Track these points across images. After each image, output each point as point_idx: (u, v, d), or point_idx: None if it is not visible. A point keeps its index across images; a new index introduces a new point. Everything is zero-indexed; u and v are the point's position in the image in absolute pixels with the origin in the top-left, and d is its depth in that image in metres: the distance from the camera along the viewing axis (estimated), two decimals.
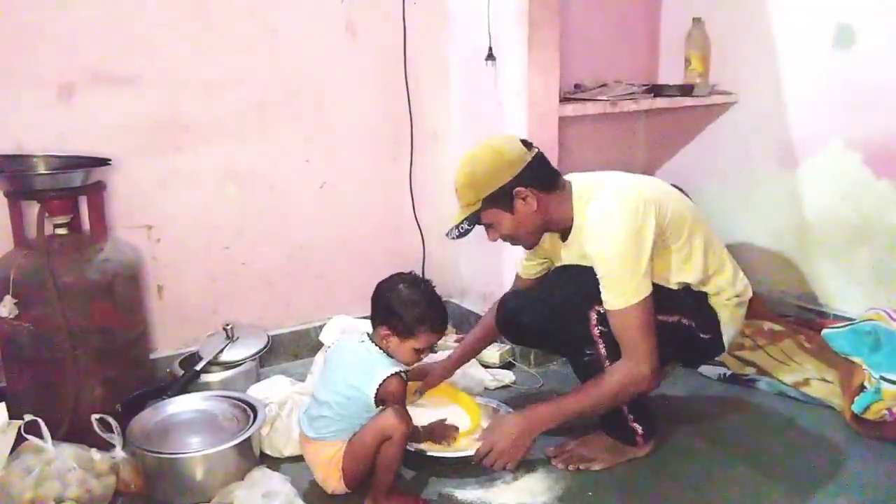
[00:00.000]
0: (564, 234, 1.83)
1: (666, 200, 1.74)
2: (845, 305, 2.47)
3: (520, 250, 1.98)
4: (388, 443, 1.62)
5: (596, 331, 1.71)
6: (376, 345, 1.71)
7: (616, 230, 1.66)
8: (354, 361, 1.70)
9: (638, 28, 2.94)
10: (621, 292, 1.65)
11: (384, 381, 1.64)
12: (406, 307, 1.67)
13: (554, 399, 1.81)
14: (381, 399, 1.65)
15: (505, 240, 1.84)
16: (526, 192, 1.73)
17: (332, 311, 2.47)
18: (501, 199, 1.73)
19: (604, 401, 1.73)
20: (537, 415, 1.77)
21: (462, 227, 1.76)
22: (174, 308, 2.29)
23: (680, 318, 1.77)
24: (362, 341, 1.73)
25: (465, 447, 1.83)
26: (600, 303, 1.69)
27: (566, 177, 1.83)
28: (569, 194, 1.79)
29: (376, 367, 1.66)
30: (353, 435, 1.67)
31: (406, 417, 1.64)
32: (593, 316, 1.70)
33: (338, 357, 1.76)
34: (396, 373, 1.66)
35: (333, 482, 1.69)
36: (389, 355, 1.70)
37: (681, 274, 1.78)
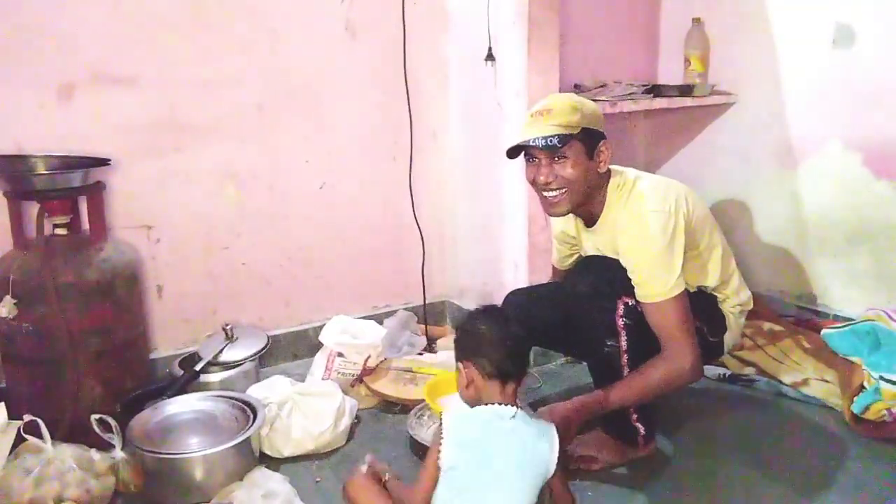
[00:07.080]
0: (590, 220, 1.83)
1: (692, 205, 1.76)
2: (845, 305, 2.47)
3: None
4: None
5: (621, 322, 1.70)
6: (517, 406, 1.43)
7: (654, 227, 1.67)
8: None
9: (638, 28, 2.94)
10: (661, 285, 1.65)
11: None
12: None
13: (599, 390, 1.75)
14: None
15: (551, 186, 1.71)
16: (608, 149, 1.74)
17: (331, 311, 2.48)
18: (592, 142, 1.71)
19: (648, 393, 1.71)
20: (582, 404, 1.73)
21: (551, 140, 1.64)
22: (174, 308, 2.29)
23: (693, 319, 1.76)
24: (512, 416, 1.40)
25: None
26: (629, 295, 1.69)
27: None
28: (607, 182, 1.79)
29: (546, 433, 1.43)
30: None
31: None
32: (620, 306, 1.70)
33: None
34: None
35: None
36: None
37: (700, 277, 1.81)
